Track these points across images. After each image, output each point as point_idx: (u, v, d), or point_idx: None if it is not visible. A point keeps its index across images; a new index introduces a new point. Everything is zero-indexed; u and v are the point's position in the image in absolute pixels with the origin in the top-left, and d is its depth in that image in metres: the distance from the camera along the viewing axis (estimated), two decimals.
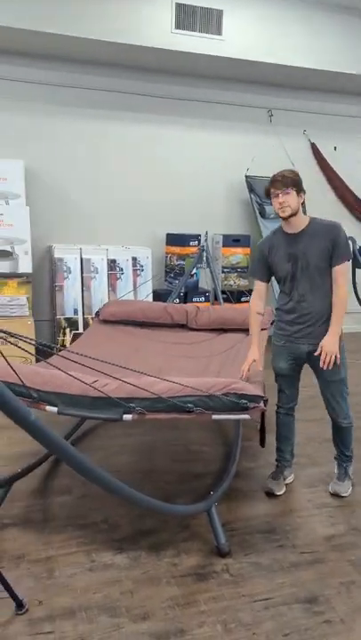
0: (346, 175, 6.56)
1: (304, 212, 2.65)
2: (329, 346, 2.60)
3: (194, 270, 5.60)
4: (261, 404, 2.19)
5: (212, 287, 5.66)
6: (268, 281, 2.85)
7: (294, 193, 2.54)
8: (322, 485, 2.93)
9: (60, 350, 2.44)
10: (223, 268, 5.91)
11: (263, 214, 6.01)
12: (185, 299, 5.60)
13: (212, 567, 2.23)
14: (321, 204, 6.23)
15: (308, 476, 3.04)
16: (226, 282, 5.92)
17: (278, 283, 2.80)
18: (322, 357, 2.60)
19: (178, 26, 4.97)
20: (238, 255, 5.99)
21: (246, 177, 6.00)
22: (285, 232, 2.67)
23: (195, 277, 5.79)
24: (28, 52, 5.06)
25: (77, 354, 1.95)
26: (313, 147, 6.46)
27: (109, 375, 2.01)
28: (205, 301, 5.81)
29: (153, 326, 4.03)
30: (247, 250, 6.03)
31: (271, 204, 2.65)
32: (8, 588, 1.88)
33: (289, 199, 2.53)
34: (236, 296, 5.82)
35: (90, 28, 4.66)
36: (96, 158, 5.61)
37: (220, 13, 5.06)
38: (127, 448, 3.34)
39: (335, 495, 2.80)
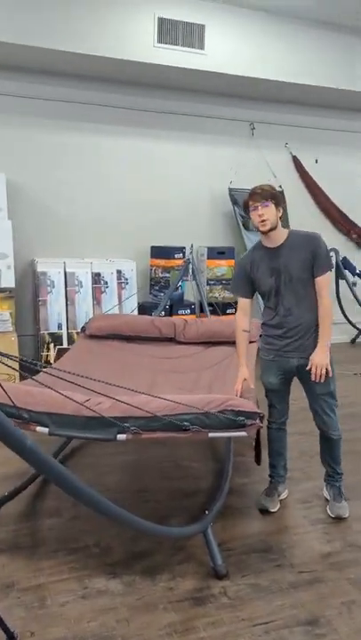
0: (327, 187, 6.62)
1: (283, 226, 2.64)
2: (320, 359, 2.58)
3: (179, 283, 5.57)
4: (258, 421, 2.15)
5: (198, 299, 5.63)
6: (251, 297, 2.82)
7: (273, 206, 2.53)
8: (316, 500, 2.89)
9: (44, 367, 2.37)
10: (208, 280, 5.89)
11: (247, 227, 6.02)
12: (170, 311, 5.55)
13: (210, 590, 2.17)
14: (304, 217, 6.29)
15: (302, 491, 2.99)
16: (211, 294, 5.90)
17: (262, 298, 2.77)
18: (313, 371, 2.58)
19: (160, 40, 4.98)
20: (223, 267, 5.98)
21: (230, 189, 6.02)
22: (265, 246, 2.65)
23: (180, 290, 5.76)
24: (11, 65, 5.01)
25: (66, 371, 1.88)
26: (295, 159, 6.51)
27: (102, 394, 1.95)
28: (191, 314, 5.77)
29: (141, 340, 3.97)
30: (231, 262, 6.02)
31: (247, 218, 2.65)
32: None
33: (268, 212, 2.52)
34: (222, 308, 5.79)
35: (73, 42, 4.64)
36: (79, 171, 5.57)
37: (201, 28, 5.09)
38: (116, 466, 3.26)
39: (338, 518, 2.71)
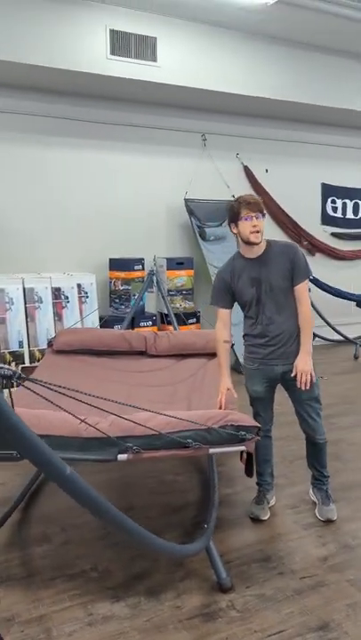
0: (278, 196, 6.78)
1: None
2: (303, 365, 2.63)
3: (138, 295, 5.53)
4: (256, 435, 2.15)
5: (165, 311, 5.63)
6: (231, 307, 2.84)
7: (263, 219, 2.59)
8: (303, 505, 2.93)
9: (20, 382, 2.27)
10: (169, 290, 5.88)
11: (203, 237, 6.08)
12: (132, 324, 5.51)
13: (217, 605, 2.15)
14: None
15: (289, 496, 3.03)
16: (172, 304, 5.87)
17: (243, 308, 2.80)
18: (298, 377, 2.62)
19: (113, 52, 4.96)
20: (182, 277, 6.00)
21: (185, 200, 6.05)
22: (245, 257, 2.68)
23: (140, 302, 5.73)
24: None
25: (55, 386, 1.79)
26: (246, 169, 6.64)
27: (98, 407, 1.88)
28: (153, 325, 5.75)
29: (111, 355, 3.91)
30: (190, 272, 6.06)
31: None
32: None
33: (261, 224, 2.57)
34: (184, 318, 5.80)
35: (26, 54, 4.55)
36: (34, 184, 5.45)
37: (154, 40, 5.11)
38: (101, 485, 3.15)
39: (328, 521, 2.75)
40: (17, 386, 1.39)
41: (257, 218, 2.55)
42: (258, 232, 2.55)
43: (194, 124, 6.19)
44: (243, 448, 2.15)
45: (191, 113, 6.12)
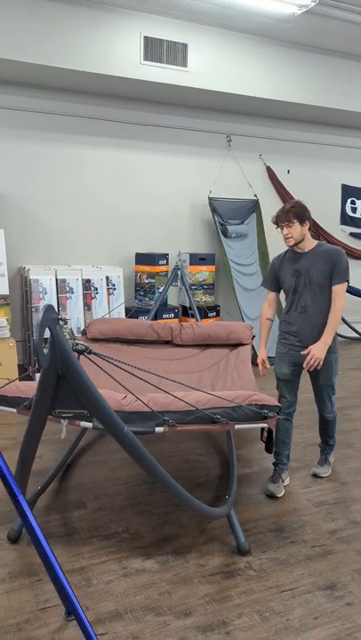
0: (298, 196, 6.95)
1: (312, 237, 3.02)
2: (317, 351, 2.90)
3: (164, 288, 5.80)
4: (277, 414, 2.41)
5: (186, 304, 5.89)
6: (277, 292, 3.20)
7: (297, 223, 2.89)
8: (315, 485, 3.19)
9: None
10: (191, 285, 6.14)
11: (225, 234, 6.32)
12: (155, 316, 5.78)
13: (236, 565, 2.42)
14: None
15: (301, 478, 3.28)
16: (194, 298, 6.14)
17: (285, 295, 3.11)
18: (307, 359, 2.90)
19: (146, 57, 5.22)
20: (204, 273, 6.25)
21: (209, 198, 6.30)
22: (295, 251, 3.03)
23: (164, 295, 6.00)
24: (4, 79, 5.15)
25: (120, 361, 2.07)
26: (268, 170, 6.86)
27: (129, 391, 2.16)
28: (175, 317, 6.02)
29: (140, 343, 4.19)
30: (212, 267, 6.31)
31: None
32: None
33: (292, 231, 2.90)
34: (204, 312, 6.06)
35: (65, 59, 4.83)
36: (69, 181, 5.74)
37: (185, 47, 5.36)
38: (127, 462, 3.46)
39: (315, 476, 3.26)
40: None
41: (287, 227, 2.91)
42: (289, 238, 2.93)
43: (220, 126, 6.43)
44: (265, 425, 2.40)
45: (217, 115, 6.36)
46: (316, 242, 3.01)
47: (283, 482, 3.12)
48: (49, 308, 1.37)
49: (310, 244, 2.98)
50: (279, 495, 3.04)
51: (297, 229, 2.89)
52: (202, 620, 2.07)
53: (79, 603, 1.88)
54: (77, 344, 1.51)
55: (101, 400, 1.49)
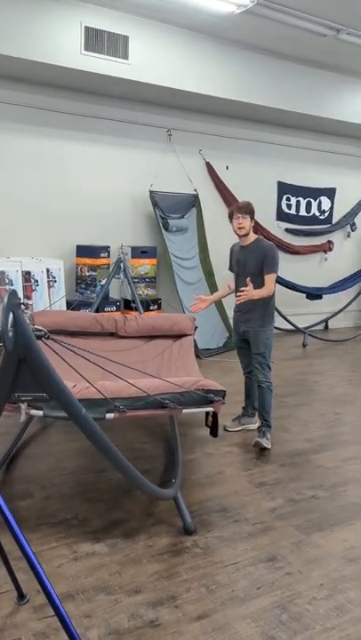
0: (237, 192, 7.17)
1: (254, 232, 3.61)
2: (250, 291, 3.41)
3: (106, 281, 5.82)
4: (222, 398, 2.53)
5: (128, 297, 5.93)
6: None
7: (249, 218, 3.54)
8: (255, 468, 3.35)
9: None
10: (132, 278, 6.19)
11: (166, 227, 6.41)
12: (97, 309, 5.79)
13: (183, 544, 2.52)
14: (216, 218, 6.77)
15: (242, 462, 3.44)
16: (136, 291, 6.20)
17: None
18: (243, 291, 3.40)
19: (87, 48, 5.20)
20: (146, 266, 6.32)
21: (150, 192, 6.36)
22: (240, 244, 3.67)
23: (106, 288, 6.01)
24: None
25: (76, 347, 2.09)
26: (208, 165, 7.00)
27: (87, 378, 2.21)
28: (117, 310, 6.05)
29: (84, 335, 4.21)
30: (154, 261, 6.38)
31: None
32: (14, 580, 2.02)
33: (245, 222, 3.52)
34: (146, 305, 6.13)
35: (2, 45, 4.73)
36: (3, 171, 5.63)
37: (126, 39, 5.37)
38: (73, 452, 3.49)
39: (257, 445, 3.56)
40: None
41: (243, 218, 3.51)
42: (242, 228, 3.52)
43: (160, 120, 6.49)
44: (211, 409, 2.52)
45: (158, 109, 6.42)
46: (255, 236, 3.59)
47: (241, 425, 3.88)
48: (12, 292, 1.41)
49: (252, 238, 3.60)
50: (230, 429, 3.86)
51: (248, 222, 3.52)
52: (152, 596, 2.16)
53: (30, 587, 1.92)
54: (36, 329, 1.55)
55: (61, 383, 1.54)
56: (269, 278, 3.51)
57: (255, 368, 3.68)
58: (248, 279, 3.44)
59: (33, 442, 3.65)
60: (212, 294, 6.61)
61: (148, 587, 2.21)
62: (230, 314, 4.42)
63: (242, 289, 3.44)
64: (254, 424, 3.86)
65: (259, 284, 3.48)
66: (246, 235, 3.55)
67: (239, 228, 3.52)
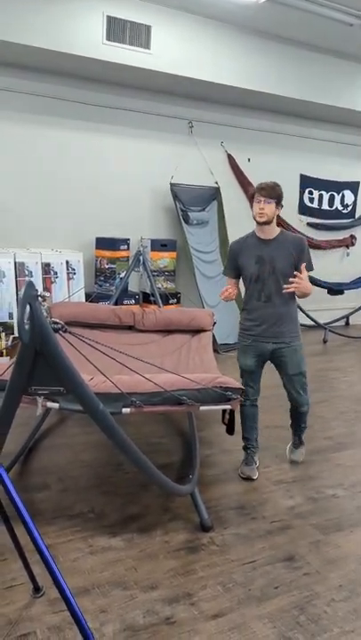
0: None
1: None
2: (305, 281, 2.84)
3: (126, 273, 5.79)
4: (240, 396, 2.48)
5: (147, 290, 5.90)
6: (236, 278, 3.13)
7: (274, 204, 2.84)
8: (274, 465, 3.30)
9: None
10: (152, 271, 6.15)
11: (187, 220, 6.36)
12: (116, 301, 5.77)
13: (200, 541, 2.49)
14: (237, 211, 6.71)
15: (261, 458, 3.37)
16: (155, 285, 6.17)
17: (245, 283, 3.06)
18: (295, 279, 2.81)
19: (109, 38, 5.15)
20: (165, 259, 6.28)
21: (171, 184, 6.31)
22: (258, 237, 2.97)
23: (125, 280, 5.99)
24: None
25: (94, 341, 2.06)
26: (229, 157, 6.92)
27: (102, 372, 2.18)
28: (135, 303, 6.03)
29: (101, 328, 4.19)
30: (173, 254, 6.34)
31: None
32: (30, 573, 2.01)
33: (268, 208, 2.83)
34: (165, 299, 6.09)
35: (24, 35, 4.71)
36: (26, 162, 5.63)
37: (148, 29, 5.31)
38: (90, 444, 3.48)
39: (293, 462, 3.25)
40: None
41: (266, 202, 2.82)
42: (262, 214, 2.84)
43: (182, 111, 6.43)
44: (228, 406, 2.47)
45: (180, 100, 6.36)
46: (279, 229, 2.98)
47: (256, 464, 3.19)
48: (30, 284, 1.38)
49: (275, 230, 2.95)
50: (254, 477, 3.10)
51: (272, 209, 2.84)
52: (167, 593, 2.14)
53: (46, 580, 1.91)
54: (54, 322, 1.53)
55: (78, 376, 1.52)
56: (306, 275, 2.90)
57: (295, 393, 3.05)
58: (303, 265, 2.84)
59: (51, 434, 3.65)
60: None
61: (163, 583, 2.19)
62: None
63: (294, 278, 2.78)
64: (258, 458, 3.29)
65: (288, 282, 2.85)
66: (267, 223, 2.87)
67: (259, 214, 2.84)
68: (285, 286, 2.83)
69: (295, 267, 2.89)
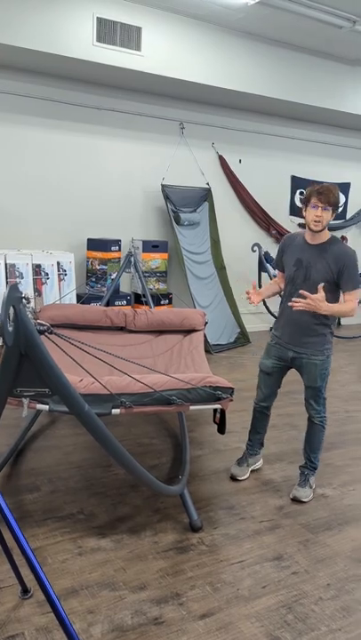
0: (249, 186, 7.12)
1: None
2: (318, 302, 2.54)
3: (117, 274, 5.79)
4: (230, 395, 2.49)
5: (138, 291, 5.91)
6: (283, 271, 2.95)
7: (331, 211, 2.63)
8: (265, 465, 3.32)
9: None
10: (143, 272, 6.16)
11: (178, 221, 6.37)
12: (107, 302, 5.77)
13: (189, 541, 2.50)
14: (228, 212, 6.74)
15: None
16: (146, 286, 6.17)
17: (286, 283, 2.92)
18: (305, 298, 2.56)
19: (99, 39, 5.16)
20: (157, 260, 6.28)
21: (162, 185, 6.32)
22: (305, 238, 2.78)
23: (116, 281, 5.99)
24: None
25: (81, 342, 2.07)
26: (220, 159, 6.93)
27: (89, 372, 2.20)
28: (127, 304, 6.03)
29: (93, 329, 4.19)
30: (165, 255, 6.35)
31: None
32: (18, 574, 2.01)
33: (325, 215, 2.62)
34: (157, 299, 6.10)
35: (14, 36, 4.70)
36: (16, 164, 5.62)
37: (139, 30, 5.32)
38: (80, 446, 3.48)
39: (295, 500, 2.90)
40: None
41: (324, 210, 2.61)
42: (318, 222, 2.63)
43: (173, 113, 6.44)
44: (218, 406, 2.48)
45: (171, 102, 6.37)
46: (329, 235, 2.72)
47: (248, 466, 3.17)
48: (13, 286, 1.39)
49: (325, 236, 2.72)
50: (241, 478, 3.10)
51: (328, 216, 2.63)
52: (156, 593, 2.14)
53: (35, 582, 1.91)
54: (39, 323, 1.53)
55: (63, 378, 1.52)
56: (352, 296, 2.66)
57: (307, 402, 2.94)
58: (321, 286, 2.57)
59: (41, 435, 3.64)
60: (223, 289, 6.65)
61: (152, 583, 2.20)
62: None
63: (298, 297, 2.57)
64: (260, 463, 3.26)
65: (327, 298, 2.59)
66: (321, 231, 2.68)
67: (315, 222, 2.61)
68: (294, 299, 2.60)
69: (336, 282, 2.69)
